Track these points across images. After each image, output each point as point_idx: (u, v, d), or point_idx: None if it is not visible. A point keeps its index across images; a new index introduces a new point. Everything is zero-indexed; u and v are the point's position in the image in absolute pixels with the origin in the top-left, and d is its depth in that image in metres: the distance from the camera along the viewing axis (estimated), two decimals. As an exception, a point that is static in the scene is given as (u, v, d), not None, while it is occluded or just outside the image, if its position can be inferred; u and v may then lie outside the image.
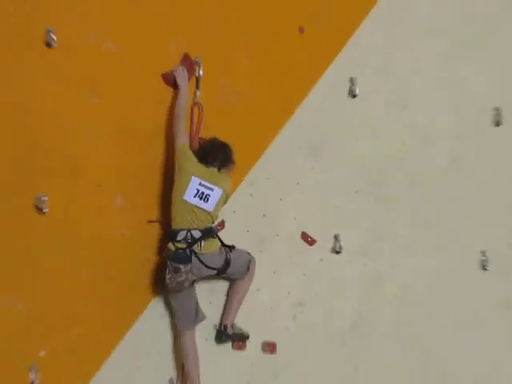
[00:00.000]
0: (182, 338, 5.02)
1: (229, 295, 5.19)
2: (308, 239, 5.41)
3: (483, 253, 5.55)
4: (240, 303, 5.13)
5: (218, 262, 4.88)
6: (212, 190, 4.77)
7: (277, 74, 5.29)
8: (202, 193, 4.74)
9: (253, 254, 5.21)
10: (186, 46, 5.04)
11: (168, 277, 4.74)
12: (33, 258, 4.77)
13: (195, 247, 4.76)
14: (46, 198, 4.71)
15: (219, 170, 4.84)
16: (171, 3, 5.02)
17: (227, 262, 4.93)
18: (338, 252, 5.43)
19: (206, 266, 4.81)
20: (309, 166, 5.46)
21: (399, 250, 5.57)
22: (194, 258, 4.74)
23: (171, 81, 4.96)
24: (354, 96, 5.46)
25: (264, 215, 5.36)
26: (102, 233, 4.90)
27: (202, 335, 5.20)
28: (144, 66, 4.94)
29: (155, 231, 5.08)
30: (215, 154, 4.81)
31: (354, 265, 5.53)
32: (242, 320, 5.29)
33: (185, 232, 4.75)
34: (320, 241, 5.45)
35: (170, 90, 5.00)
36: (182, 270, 4.73)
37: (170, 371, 5.24)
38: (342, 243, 5.46)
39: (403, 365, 5.55)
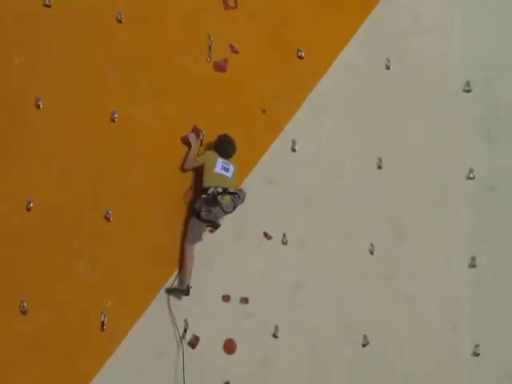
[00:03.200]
0: (189, 249, 8.29)
1: None
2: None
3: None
4: None
5: (230, 208, 8.24)
6: (229, 165, 8.29)
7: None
8: (225, 167, 8.23)
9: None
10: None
11: (203, 214, 8.13)
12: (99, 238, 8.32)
13: (219, 198, 8.12)
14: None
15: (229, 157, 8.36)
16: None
17: (234, 207, 8.28)
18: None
19: (223, 211, 8.19)
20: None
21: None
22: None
23: (186, 141, 8.43)
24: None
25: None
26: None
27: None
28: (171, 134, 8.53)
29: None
30: (227, 150, 8.34)
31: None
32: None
33: (213, 188, 8.15)
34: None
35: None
36: (213, 210, 8.13)
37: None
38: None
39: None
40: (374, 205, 8.84)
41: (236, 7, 8.76)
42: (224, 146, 8.37)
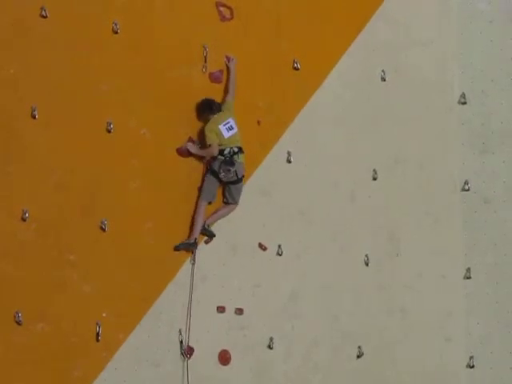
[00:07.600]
0: (201, 205, 8.35)
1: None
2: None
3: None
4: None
5: (242, 172, 8.36)
6: (229, 121, 8.35)
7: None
8: (228, 127, 8.32)
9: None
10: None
11: (222, 174, 8.22)
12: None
13: (235, 157, 8.26)
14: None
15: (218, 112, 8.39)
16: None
17: (241, 178, 8.37)
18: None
19: (236, 174, 8.28)
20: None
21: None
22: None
23: (183, 152, 8.40)
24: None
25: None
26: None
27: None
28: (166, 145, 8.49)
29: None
30: (210, 110, 8.38)
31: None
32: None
33: (229, 149, 8.29)
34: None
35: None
36: (231, 169, 8.24)
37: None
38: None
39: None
40: (369, 216, 8.80)
41: (232, 18, 8.67)
42: (210, 107, 8.40)
